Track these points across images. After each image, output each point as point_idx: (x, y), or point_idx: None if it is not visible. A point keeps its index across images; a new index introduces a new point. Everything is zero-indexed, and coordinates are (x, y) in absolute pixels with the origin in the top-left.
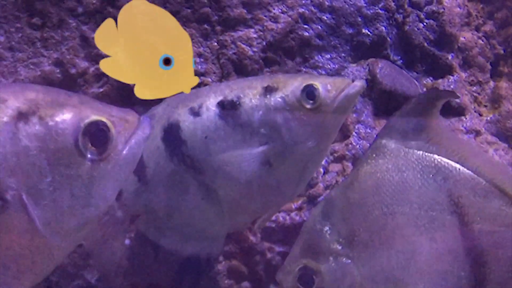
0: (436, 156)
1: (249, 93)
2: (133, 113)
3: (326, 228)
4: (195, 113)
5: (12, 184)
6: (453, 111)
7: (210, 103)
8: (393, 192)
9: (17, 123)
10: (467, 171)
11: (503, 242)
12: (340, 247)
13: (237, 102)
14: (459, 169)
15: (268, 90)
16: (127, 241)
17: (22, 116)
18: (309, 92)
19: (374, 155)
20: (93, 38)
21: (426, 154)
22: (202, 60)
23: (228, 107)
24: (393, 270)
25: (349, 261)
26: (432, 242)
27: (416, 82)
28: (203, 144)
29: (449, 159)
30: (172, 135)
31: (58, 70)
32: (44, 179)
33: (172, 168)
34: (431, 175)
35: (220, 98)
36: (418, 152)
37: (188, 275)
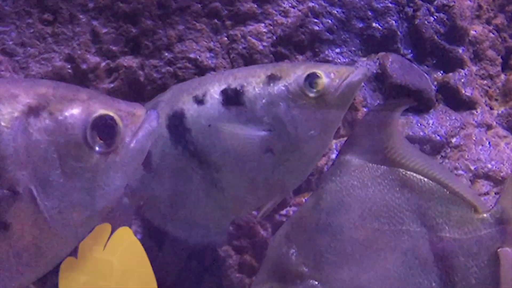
0: (400, 170)
1: (253, 82)
2: (141, 107)
3: (292, 250)
4: (199, 101)
5: (22, 177)
6: (464, 105)
7: (214, 91)
8: (360, 209)
9: (27, 118)
10: (431, 182)
11: (469, 248)
12: (306, 270)
13: (241, 90)
14: (423, 180)
15: (272, 79)
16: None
17: (32, 110)
18: (312, 80)
19: (338, 172)
20: (104, 33)
21: (391, 168)
22: (212, 55)
23: (231, 96)
24: None
25: (317, 283)
26: (403, 256)
27: (426, 75)
28: (207, 132)
29: (412, 171)
30: (176, 123)
31: (69, 66)
32: (53, 171)
33: (176, 156)
34: (397, 189)
35: (223, 86)
36: (382, 166)
37: (194, 267)
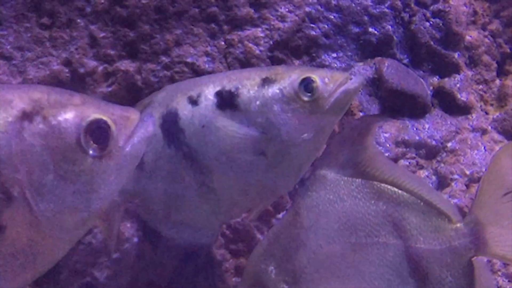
0: (375, 182)
1: (247, 84)
2: (135, 111)
3: (271, 267)
4: (193, 101)
5: (17, 180)
6: (460, 109)
7: (209, 92)
8: (337, 223)
9: (21, 123)
10: (406, 194)
11: (444, 258)
12: (286, 286)
13: (235, 93)
14: (398, 192)
15: (266, 82)
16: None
17: (26, 115)
18: (307, 84)
19: (314, 187)
20: (101, 37)
21: (366, 181)
22: (209, 59)
23: (226, 97)
24: None
25: None
26: (380, 269)
27: (422, 80)
28: (200, 133)
29: (386, 183)
30: (170, 123)
31: (67, 70)
32: (48, 175)
33: (169, 156)
34: (372, 201)
35: (218, 88)
36: (357, 180)
37: (188, 270)
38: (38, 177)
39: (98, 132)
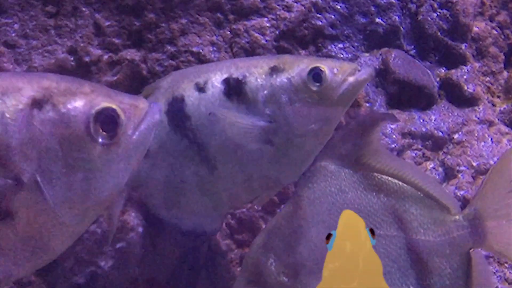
0: (376, 175)
1: (255, 72)
2: (144, 100)
3: (271, 260)
4: (200, 88)
5: (27, 167)
6: (466, 101)
7: (216, 80)
8: (338, 215)
9: (31, 110)
10: (407, 186)
11: (443, 251)
12: (286, 279)
13: (243, 81)
14: (399, 184)
15: (275, 70)
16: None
17: (36, 103)
18: (316, 74)
19: (315, 179)
20: (106, 26)
21: (367, 173)
22: (215, 49)
23: (233, 85)
24: None
25: None
26: (382, 261)
27: (429, 72)
28: (207, 120)
29: (387, 175)
30: (176, 109)
31: (72, 58)
32: (57, 162)
33: (174, 142)
34: (374, 194)
35: (226, 75)
36: (359, 172)
37: (191, 259)
38: (47, 164)
39: (107, 121)
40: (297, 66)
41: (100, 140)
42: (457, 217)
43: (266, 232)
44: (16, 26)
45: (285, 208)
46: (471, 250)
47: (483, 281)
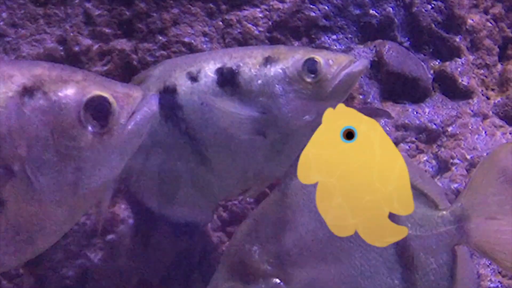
0: None
1: (249, 62)
2: (138, 89)
3: (255, 247)
4: (193, 78)
5: (17, 155)
6: (461, 94)
7: (209, 69)
8: None
9: (22, 98)
10: None
11: (429, 245)
12: (270, 268)
13: (236, 71)
14: None
15: (269, 61)
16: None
17: (27, 91)
18: (310, 65)
19: None
20: (97, 15)
21: None
22: (207, 39)
23: (226, 75)
24: (328, 287)
25: (281, 282)
26: (367, 254)
27: (423, 64)
28: (199, 110)
29: None
30: (168, 98)
31: (61, 48)
32: (48, 150)
33: (166, 132)
34: None
35: (219, 65)
36: None
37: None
38: (38, 152)
39: (99, 109)
40: (291, 57)
41: (90, 128)
42: (444, 212)
43: (252, 219)
44: (4, 15)
45: (272, 196)
46: (456, 247)
47: (467, 278)
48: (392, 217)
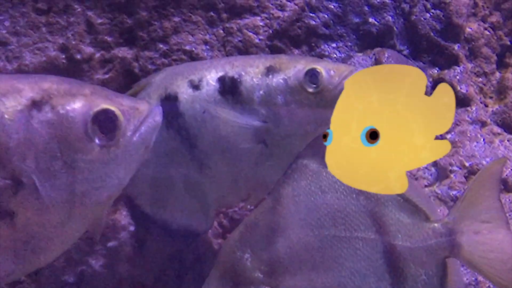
0: None
1: (251, 72)
2: (145, 103)
3: (247, 255)
4: (195, 86)
5: (26, 167)
6: (459, 102)
7: (211, 78)
8: (317, 214)
9: (30, 111)
10: None
11: (419, 257)
12: (261, 276)
13: (238, 80)
14: None
15: (270, 70)
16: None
17: (35, 104)
18: (312, 75)
19: (295, 176)
20: (98, 24)
21: None
22: (208, 47)
23: (228, 84)
24: None
25: None
26: (358, 264)
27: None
28: (201, 118)
29: None
30: (169, 106)
31: (63, 56)
32: (55, 163)
33: (166, 139)
34: (353, 195)
35: (221, 73)
36: None
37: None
38: (46, 165)
39: (106, 122)
40: (293, 67)
41: (97, 141)
42: (435, 224)
43: (244, 226)
44: (6, 23)
45: (264, 203)
46: (447, 259)
47: None
48: (381, 225)
